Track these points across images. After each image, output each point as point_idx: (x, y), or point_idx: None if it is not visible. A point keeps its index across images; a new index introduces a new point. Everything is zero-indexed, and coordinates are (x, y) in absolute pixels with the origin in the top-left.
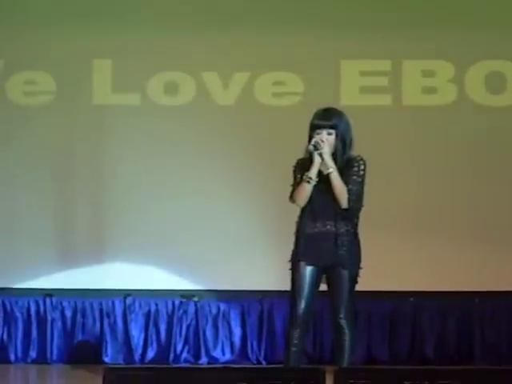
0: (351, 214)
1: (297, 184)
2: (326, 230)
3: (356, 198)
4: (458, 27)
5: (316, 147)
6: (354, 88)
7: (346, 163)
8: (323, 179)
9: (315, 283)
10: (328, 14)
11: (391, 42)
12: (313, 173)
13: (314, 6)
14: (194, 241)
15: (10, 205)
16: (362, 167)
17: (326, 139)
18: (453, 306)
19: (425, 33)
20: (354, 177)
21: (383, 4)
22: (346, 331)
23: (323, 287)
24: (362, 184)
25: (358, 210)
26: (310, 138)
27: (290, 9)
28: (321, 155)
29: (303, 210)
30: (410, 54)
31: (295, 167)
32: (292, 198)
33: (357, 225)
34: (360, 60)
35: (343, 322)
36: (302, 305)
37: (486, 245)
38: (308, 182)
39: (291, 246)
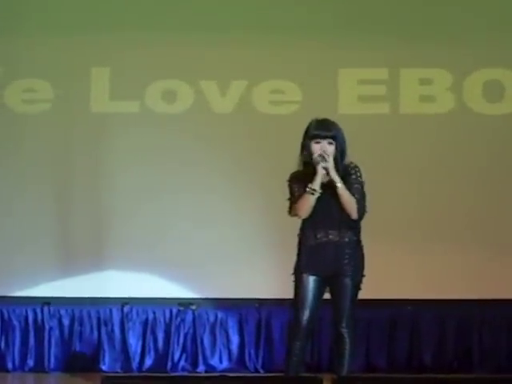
0: (355, 222)
1: (297, 197)
2: (329, 240)
3: (362, 205)
4: (456, 35)
5: (324, 158)
6: (351, 96)
7: (345, 170)
8: (323, 189)
9: (318, 294)
10: (326, 22)
11: (389, 51)
12: (317, 184)
13: (311, 16)
14: (191, 249)
15: (8, 212)
16: (359, 173)
17: (328, 150)
18: (451, 314)
19: (422, 41)
20: (356, 185)
21: (381, 13)
22: (347, 340)
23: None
24: (363, 190)
25: (362, 216)
26: (304, 147)
27: (288, 18)
28: (326, 168)
29: (305, 221)
30: (408, 62)
31: (290, 181)
32: (293, 211)
33: (359, 232)
34: (358, 69)
35: (344, 331)
36: (306, 316)
37: (485, 253)
38: (312, 193)
39: (290, 255)
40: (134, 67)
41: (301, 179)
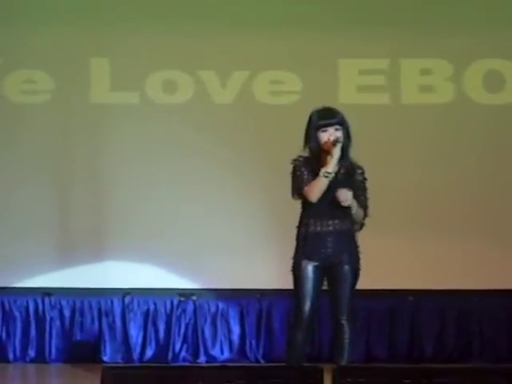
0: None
1: (308, 180)
2: (331, 229)
3: (367, 207)
4: (456, 26)
5: (337, 142)
6: (352, 87)
7: (351, 170)
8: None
9: (319, 283)
10: (326, 12)
11: (389, 41)
12: (331, 167)
13: (312, 5)
14: (192, 240)
15: (8, 203)
16: (365, 175)
17: (336, 135)
18: (451, 304)
19: (423, 31)
20: (362, 184)
21: (381, 3)
22: (347, 329)
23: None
24: (367, 197)
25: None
26: (311, 139)
27: (288, 8)
28: (339, 149)
29: (309, 208)
30: (408, 52)
31: (299, 163)
32: (301, 193)
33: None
34: (358, 59)
35: (344, 321)
36: (308, 306)
37: (485, 244)
38: (326, 177)
39: (291, 245)
40: (134, 58)
41: (309, 166)
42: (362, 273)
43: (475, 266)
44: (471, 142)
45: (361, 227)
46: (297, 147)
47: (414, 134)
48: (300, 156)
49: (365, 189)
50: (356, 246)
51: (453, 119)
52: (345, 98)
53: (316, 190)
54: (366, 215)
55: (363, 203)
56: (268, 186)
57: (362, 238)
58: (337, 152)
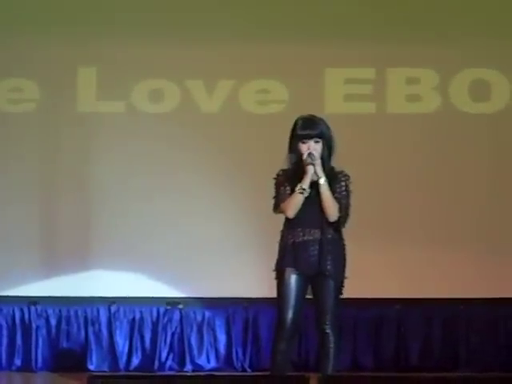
0: (337, 224)
1: (285, 195)
2: (313, 239)
3: (345, 212)
4: (443, 35)
5: (311, 158)
6: (338, 96)
7: (333, 176)
8: (311, 188)
9: (302, 292)
10: (312, 22)
11: (375, 50)
12: (306, 184)
13: (298, 15)
14: (179, 248)
15: None
16: (349, 182)
17: (315, 149)
18: (438, 313)
19: (409, 41)
20: (344, 192)
21: (367, 12)
22: (332, 338)
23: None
24: (349, 199)
25: (344, 222)
26: (293, 148)
27: (274, 17)
28: (313, 165)
29: (289, 219)
30: (395, 61)
31: (278, 179)
32: (279, 208)
33: (341, 232)
34: (344, 68)
35: (329, 330)
36: (290, 315)
37: (472, 253)
38: (301, 193)
39: (276, 254)
40: (121, 67)
41: (289, 178)
42: (348, 281)
43: (462, 275)
44: (457, 151)
45: (341, 222)
46: (283, 156)
47: (400, 143)
48: (281, 170)
49: (347, 193)
50: (340, 255)
51: (439, 128)
52: (331, 108)
53: (291, 206)
54: (346, 216)
55: (344, 206)
56: (255, 195)
57: (348, 247)
58: (310, 170)
